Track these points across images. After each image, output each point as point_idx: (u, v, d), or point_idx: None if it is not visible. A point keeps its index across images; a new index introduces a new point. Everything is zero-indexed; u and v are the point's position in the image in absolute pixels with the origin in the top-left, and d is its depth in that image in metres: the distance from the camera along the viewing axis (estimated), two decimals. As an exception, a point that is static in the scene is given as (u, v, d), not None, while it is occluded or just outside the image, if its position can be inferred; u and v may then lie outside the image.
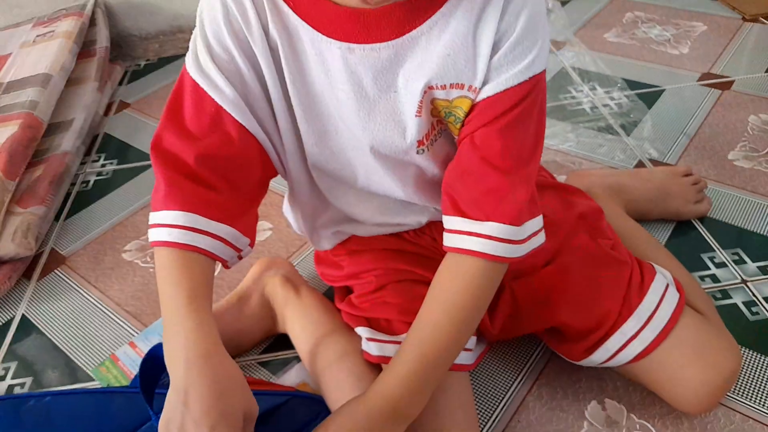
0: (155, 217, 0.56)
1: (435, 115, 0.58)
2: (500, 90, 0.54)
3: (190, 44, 0.57)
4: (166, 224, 0.55)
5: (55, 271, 0.99)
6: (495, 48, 0.53)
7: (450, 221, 0.59)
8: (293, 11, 0.54)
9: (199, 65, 0.56)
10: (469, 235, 0.57)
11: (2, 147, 1.03)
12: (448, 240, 0.59)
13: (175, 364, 0.51)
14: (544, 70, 0.56)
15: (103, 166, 1.24)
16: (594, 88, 1.29)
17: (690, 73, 1.31)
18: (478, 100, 0.55)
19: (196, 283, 0.54)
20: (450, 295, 0.58)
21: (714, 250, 0.88)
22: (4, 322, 0.91)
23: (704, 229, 0.92)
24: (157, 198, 0.57)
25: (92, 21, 1.46)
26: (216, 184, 0.57)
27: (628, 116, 1.19)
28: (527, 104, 0.55)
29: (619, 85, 1.29)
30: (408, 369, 0.56)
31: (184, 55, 0.58)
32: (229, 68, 0.55)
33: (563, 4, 1.67)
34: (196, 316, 0.52)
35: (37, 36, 1.38)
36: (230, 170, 0.57)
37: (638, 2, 1.63)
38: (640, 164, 1.06)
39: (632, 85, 1.29)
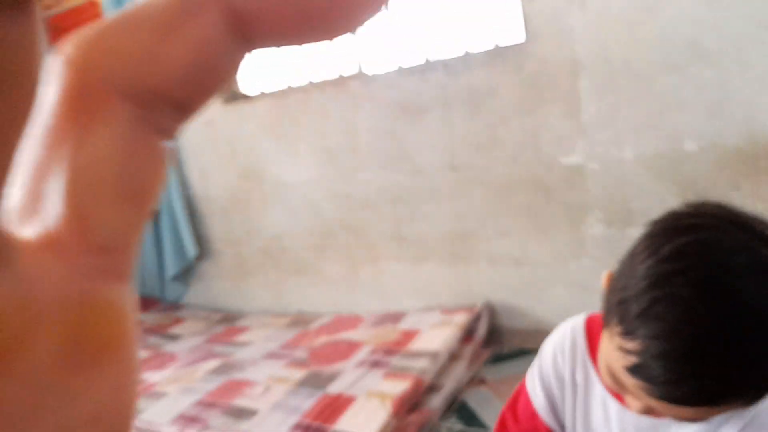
0: None
1: None
2: None
3: (534, 360, 0.95)
4: None
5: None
6: None
7: None
8: (596, 371, 0.87)
9: (532, 379, 0.93)
10: None
11: (397, 397, 1.55)
12: None
13: None
14: None
15: (453, 426, 1.67)
16: None
17: None
18: None
19: None
20: None
21: None
22: None
23: None
24: None
25: (478, 315, 2.02)
26: None
27: None
28: None
29: None
30: None
31: (538, 350, 0.96)
32: (546, 387, 0.91)
33: None
34: None
35: (440, 321, 1.99)
36: None
37: None
38: None
39: None
